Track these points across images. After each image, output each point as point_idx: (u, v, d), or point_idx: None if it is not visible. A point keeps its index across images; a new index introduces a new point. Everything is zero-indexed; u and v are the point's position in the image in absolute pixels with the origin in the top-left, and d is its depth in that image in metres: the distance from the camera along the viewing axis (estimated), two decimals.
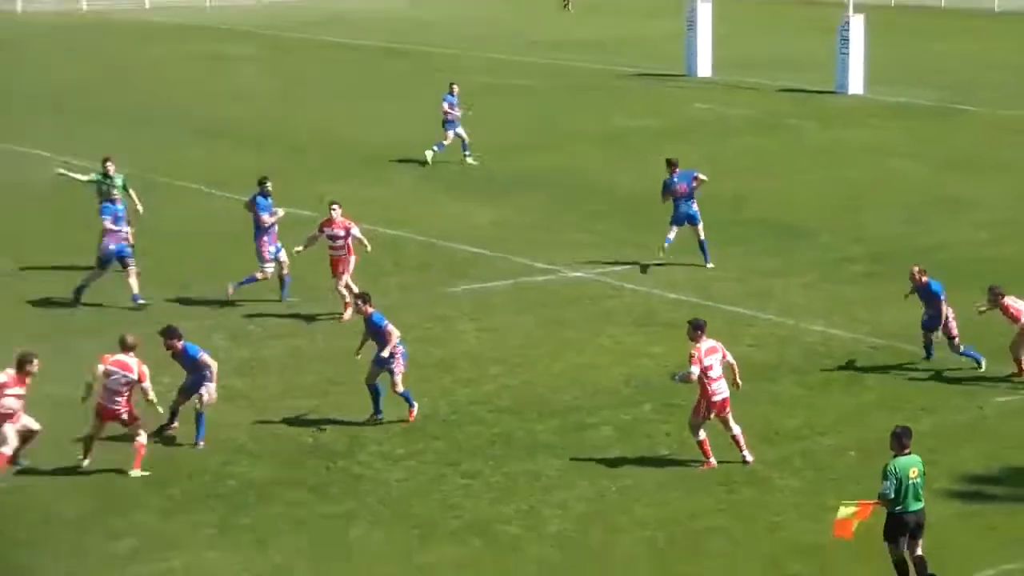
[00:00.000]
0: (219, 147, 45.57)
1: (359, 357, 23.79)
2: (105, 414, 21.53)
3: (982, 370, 25.55)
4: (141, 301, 29.10)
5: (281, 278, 29.55)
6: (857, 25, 56.22)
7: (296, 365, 26.34)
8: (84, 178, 31.80)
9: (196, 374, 22.62)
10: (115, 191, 30.69)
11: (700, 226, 32.13)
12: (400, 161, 43.42)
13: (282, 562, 19.09)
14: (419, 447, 22.67)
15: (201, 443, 22.55)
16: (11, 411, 21.15)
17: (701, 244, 32.27)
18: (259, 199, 29.65)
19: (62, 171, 32.98)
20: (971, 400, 24.74)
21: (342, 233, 28.43)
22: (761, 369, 25.83)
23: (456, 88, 43.12)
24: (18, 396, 21.22)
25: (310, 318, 28.75)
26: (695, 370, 21.56)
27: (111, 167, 31.29)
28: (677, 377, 22.03)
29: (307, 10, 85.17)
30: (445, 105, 42.65)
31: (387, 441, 22.77)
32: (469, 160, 42.98)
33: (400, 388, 23.39)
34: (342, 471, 21.84)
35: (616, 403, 24.52)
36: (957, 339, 25.85)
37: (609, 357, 26.78)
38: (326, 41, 71.35)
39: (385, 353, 23.21)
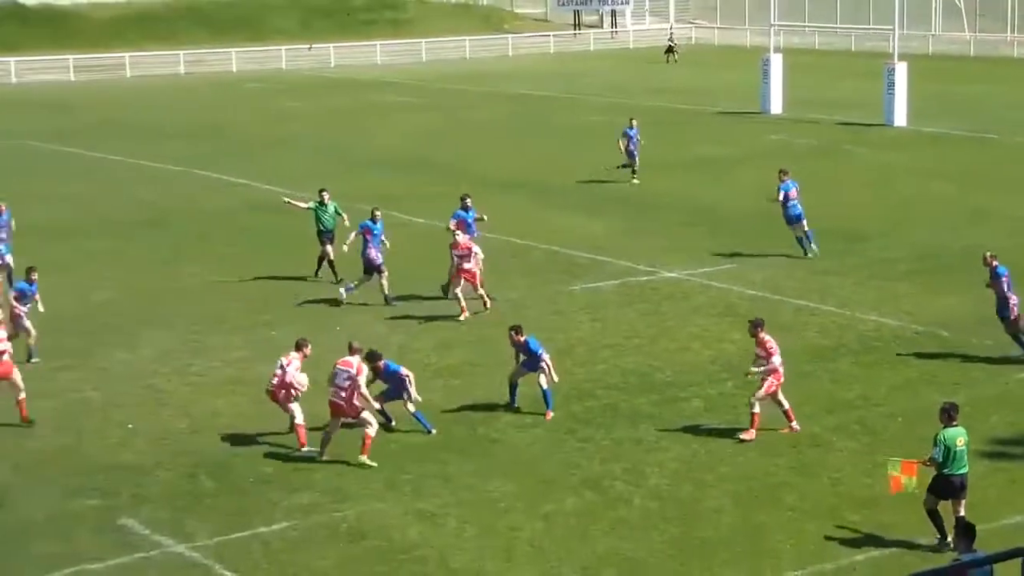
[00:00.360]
0: (392, 174, 45.52)
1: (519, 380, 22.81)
2: (334, 409, 20.47)
3: None
4: (395, 303, 28.68)
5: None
6: (901, 70, 55.68)
7: (443, 350, 26.08)
8: (304, 205, 30.93)
9: (395, 383, 21.75)
10: (327, 216, 30.27)
11: (804, 222, 32.88)
12: (524, 184, 43.10)
13: (436, 510, 18.85)
14: (543, 417, 22.29)
15: (433, 431, 21.74)
16: (302, 386, 20.77)
17: (808, 234, 32.81)
18: (460, 212, 29.82)
19: (287, 200, 32.17)
20: (997, 377, 24.09)
21: (467, 252, 27.79)
22: (823, 351, 25.34)
23: (635, 122, 42.97)
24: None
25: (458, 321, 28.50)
26: (777, 360, 21.06)
27: (326, 196, 30.65)
28: (760, 371, 21.31)
29: (460, 65, 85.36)
30: (627, 137, 42.18)
31: (518, 413, 22.45)
32: (634, 181, 42.59)
33: (545, 386, 22.37)
34: (482, 437, 21.57)
35: (704, 380, 24.06)
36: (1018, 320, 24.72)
37: (698, 342, 26.29)
38: (477, 91, 71.28)
39: (541, 379, 22.34)
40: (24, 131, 55.92)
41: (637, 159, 42.51)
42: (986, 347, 25.47)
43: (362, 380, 20.40)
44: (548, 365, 22.37)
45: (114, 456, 20.90)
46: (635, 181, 42.47)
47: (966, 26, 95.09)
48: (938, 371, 24.50)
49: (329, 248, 30.30)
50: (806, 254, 32.56)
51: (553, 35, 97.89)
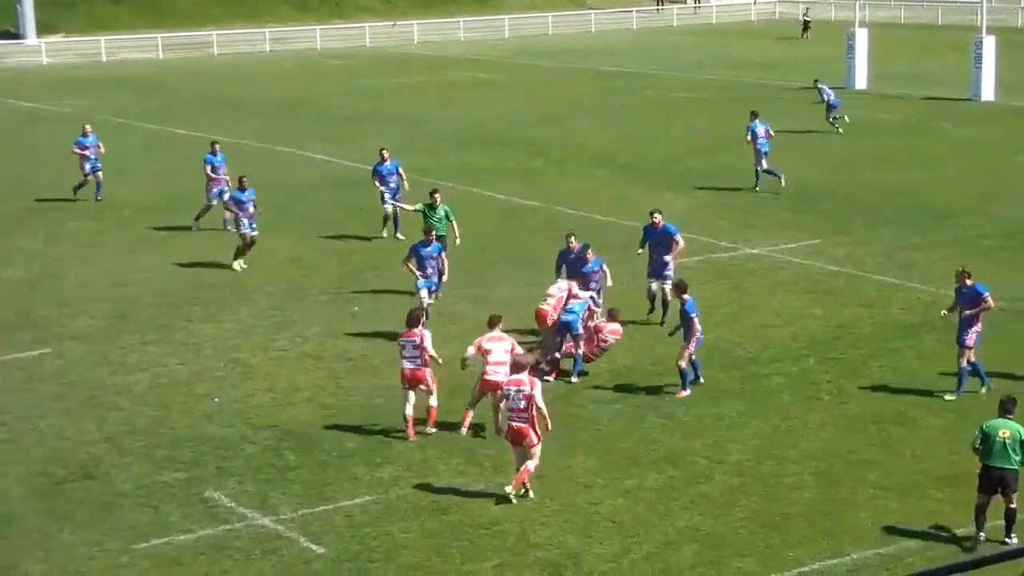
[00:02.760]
0: (473, 150, 45.50)
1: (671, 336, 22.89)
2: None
3: None
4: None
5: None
6: (989, 44, 54.87)
7: (528, 325, 26.01)
8: (411, 208, 28.24)
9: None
10: (435, 220, 26.98)
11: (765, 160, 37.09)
12: (608, 161, 42.91)
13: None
14: (624, 393, 22.23)
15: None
16: (501, 363, 19.92)
17: (769, 170, 36.86)
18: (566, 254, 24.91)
19: (394, 202, 30.43)
20: None
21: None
22: (908, 328, 25.03)
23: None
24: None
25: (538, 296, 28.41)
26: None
27: (438, 198, 27.50)
28: None
29: (543, 41, 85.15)
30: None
31: (598, 388, 22.36)
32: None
33: (683, 364, 21.95)
34: (562, 413, 21.43)
35: (786, 356, 23.86)
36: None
37: (780, 319, 26.07)
38: (560, 67, 71.10)
39: (692, 344, 22.00)
40: (114, 109, 56.56)
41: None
42: None
43: (538, 394, 18.27)
44: (690, 349, 21.93)
45: (200, 429, 21.15)
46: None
47: None
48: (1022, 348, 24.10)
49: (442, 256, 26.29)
50: (755, 186, 37.31)
51: (636, 11, 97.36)
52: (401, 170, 32.52)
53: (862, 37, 60.08)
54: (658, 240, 25.82)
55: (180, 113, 55.45)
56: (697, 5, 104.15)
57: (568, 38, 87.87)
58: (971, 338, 21.52)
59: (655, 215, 26.01)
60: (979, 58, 54.90)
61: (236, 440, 20.67)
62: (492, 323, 20.68)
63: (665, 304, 25.54)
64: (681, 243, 25.88)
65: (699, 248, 31.25)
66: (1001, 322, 25.40)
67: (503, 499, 18.24)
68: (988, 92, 54.55)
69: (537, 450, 18.34)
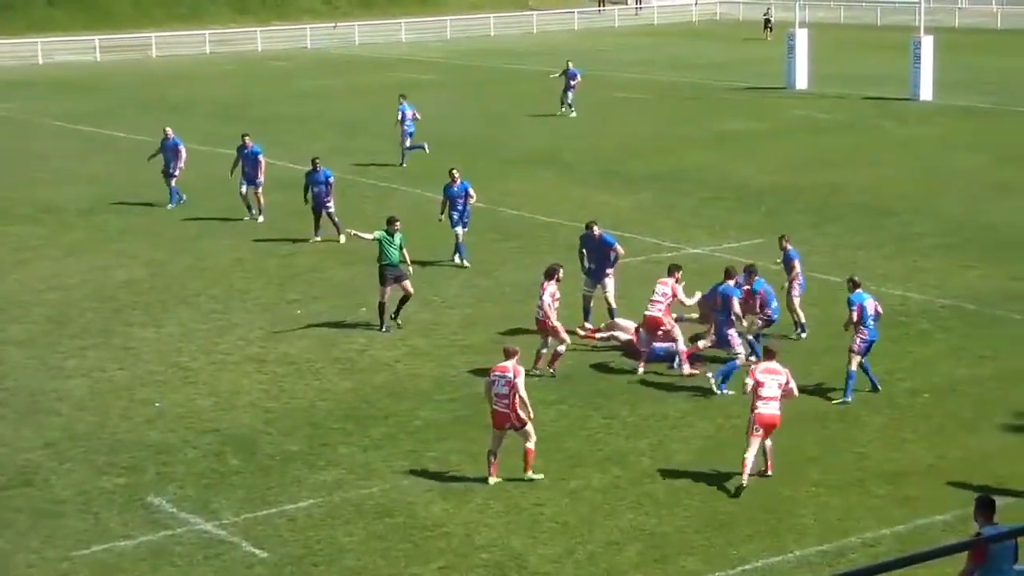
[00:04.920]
0: (415, 152, 45.41)
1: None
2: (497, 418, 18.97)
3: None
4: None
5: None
6: (927, 43, 55.35)
7: (468, 327, 26.06)
8: (369, 236, 26.73)
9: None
10: (392, 249, 25.85)
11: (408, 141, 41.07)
12: (551, 161, 42.98)
13: (464, 487, 18.83)
14: (568, 393, 22.27)
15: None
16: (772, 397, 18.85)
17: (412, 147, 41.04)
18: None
19: (352, 231, 28.22)
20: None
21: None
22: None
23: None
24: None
25: (482, 297, 28.47)
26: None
27: (398, 225, 26.08)
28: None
29: (485, 42, 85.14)
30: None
31: (541, 388, 22.36)
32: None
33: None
34: None
35: (729, 355, 23.86)
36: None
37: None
38: (501, 68, 71.13)
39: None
40: (49, 111, 56.03)
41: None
42: (1012, 321, 25.30)
43: (520, 382, 18.73)
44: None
45: (141, 434, 20.98)
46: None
47: None
48: (964, 345, 24.37)
49: (388, 289, 25.67)
50: (402, 164, 41.08)
51: (577, 12, 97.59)
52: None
53: (802, 37, 60.51)
54: (595, 249, 25.88)
55: (119, 116, 55.02)
56: (638, 6, 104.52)
57: (510, 39, 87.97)
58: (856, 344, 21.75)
59: (593, 227, 26.02)
60: (918, 58, 55.36)
61: (177, 445, 20.53)
62: (768, 355, 19.41)
63: (611, 309, 25.54)
64: (620, 251, 26.02)
65: (642, 248, 31.37)
66: (942, 319, 25.68)
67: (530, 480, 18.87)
68: (927, 91, 55.06)
69: (530, 428, 18.81)
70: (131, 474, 19.48)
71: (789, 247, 25.02)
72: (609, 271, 25.74)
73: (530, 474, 18.96)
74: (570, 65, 52.76)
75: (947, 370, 22.99)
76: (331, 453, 20.09)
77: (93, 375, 23.71)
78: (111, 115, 55.26)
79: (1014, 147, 44.14)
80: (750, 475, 18.43)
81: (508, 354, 19.19)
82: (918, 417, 20.97)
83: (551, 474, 19.15)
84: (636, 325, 24.18)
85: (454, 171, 30.81)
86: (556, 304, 23.25)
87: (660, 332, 23.35)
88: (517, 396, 18.69)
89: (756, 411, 18.58)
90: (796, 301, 24.72)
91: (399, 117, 42.15)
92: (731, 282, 22.73)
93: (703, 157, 43.23)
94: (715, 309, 22.73)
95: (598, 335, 24.77)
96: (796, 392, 19.08)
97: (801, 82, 59.74)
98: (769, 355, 19.13)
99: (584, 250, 26.00)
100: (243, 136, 35.77)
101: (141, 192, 38.66)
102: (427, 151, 41.25)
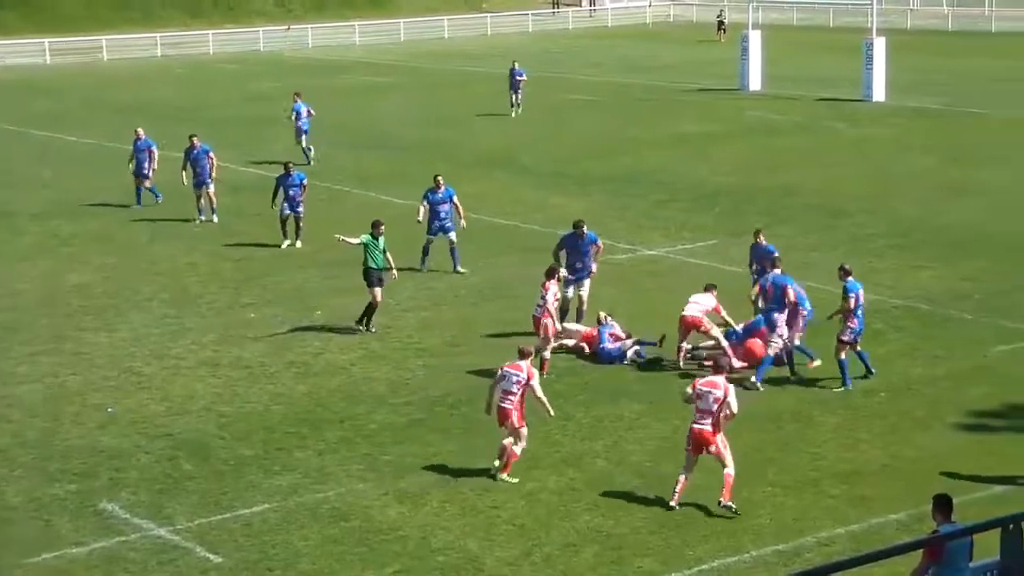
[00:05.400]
0: (368, 154, 45.31)
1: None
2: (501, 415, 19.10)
3: None
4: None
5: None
6: (879, 45, 55.75)
7: (424, 330, 26.01)
8: (354, 241, 26.69)
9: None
10: (377, 252, 25.93)
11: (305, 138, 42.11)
12: (506, 163, 42.98)
13: (417, 491, 18.78)
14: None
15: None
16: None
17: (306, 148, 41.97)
18: None
19: (339, 237, 27.72)
20: (976, 350, 24.16)
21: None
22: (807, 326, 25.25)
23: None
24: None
25: (437, 300, 28.43)
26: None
27: (382, 229, 26.12)
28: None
29: (439, 44, 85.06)
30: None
31: None
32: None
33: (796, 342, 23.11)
34: (462, 416, 21.48)
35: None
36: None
37: (678, 320, 26.15)
38: (455, 70, 71.09)
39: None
40: (1, 115, 55.54)
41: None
42: (965, 321, 25.51)
43: (536, 384, 19.03)
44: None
45: (93, 440, 20.81)
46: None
47: (944, 0, 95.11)
48: (918, 344, 24.56)
49: (378, 291, 25.83)
50: (309, 162, 41.36)
51: (531, 14, 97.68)
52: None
53: (756, 39, 60.73)
54: (580, 249, 25.69)
55: (70, 119, 54.62)
56: (592, 8, 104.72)
57: (464, 41, 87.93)
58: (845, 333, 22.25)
59: (583, 227, 25.67)
60: (870, 59, 55.68)
61: (130, 450, 20.38)
62: (715, 369, 19.03)
63: (580, 311, 25.52)
64: (601, 246, 26.14)
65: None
66: (896, 319, 25.87)
67: (493, 477, 18.97)
68: (879, 92, 55.40)
69: (524, 431, 18.93)
70: (83, 480, 19.33)
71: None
72: (593, 268, 25.60)
73: (505, 476, 19.00)
74: (516, 65, 53.34)
75: (902, 370, 23.16)
76: (286, 457, 20.00)
77: (45, 381, 23.51)
78: (62, 118, 54.84)
79: (965, 148, 44.53)
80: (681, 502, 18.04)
81: (523, 354, 19.32)
82: (873, 417, 21.10)
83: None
84: (586, 330, 24.27)
85: (439, 177, 30.47)
86: (556, 304, 23.61)
87: (701, 331, 23.58)
88: (528, 397, 18.91)
89: (691, 425, 18.35)
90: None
91: (293, 115, 43.00)
92: (777, 271, 23.21)
93: (657, 159, 43.34)
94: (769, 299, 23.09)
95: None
96: (735, 408, 18.02)
97: (755, 83, 60.01)
98: (716, 370, 18.72)
99: (565, 251, 25.79)
100: (191, 137, 35.85)
101: (93, 196, 38.41)
102: (312, 155, 42.55)
